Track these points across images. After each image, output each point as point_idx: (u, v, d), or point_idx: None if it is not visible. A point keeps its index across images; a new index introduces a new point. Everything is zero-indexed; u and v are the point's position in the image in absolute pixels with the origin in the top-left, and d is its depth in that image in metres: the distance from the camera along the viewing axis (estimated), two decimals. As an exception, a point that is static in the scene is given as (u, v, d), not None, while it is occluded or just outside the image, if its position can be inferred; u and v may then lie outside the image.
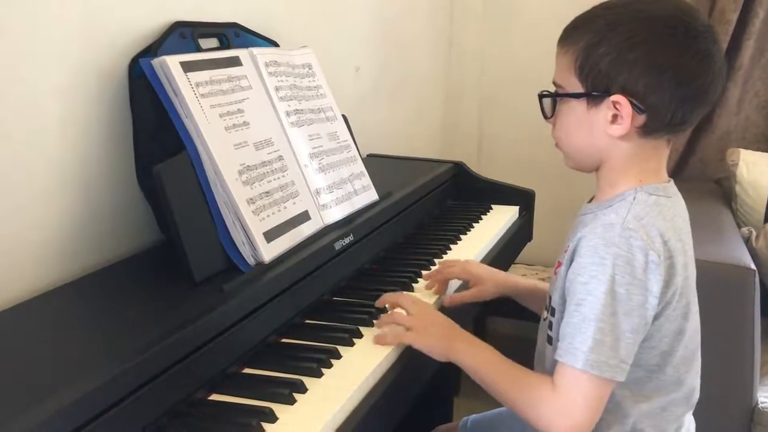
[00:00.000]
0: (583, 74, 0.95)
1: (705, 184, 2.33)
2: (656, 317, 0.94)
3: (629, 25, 0.93)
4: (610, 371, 0.90)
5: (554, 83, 1.01)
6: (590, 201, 1.05)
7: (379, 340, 1.03)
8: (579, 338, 0.90)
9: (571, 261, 0.95)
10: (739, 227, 1.99)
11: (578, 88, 0.96)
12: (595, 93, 0.95)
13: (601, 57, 0.93)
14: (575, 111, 0.97)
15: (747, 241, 1.92)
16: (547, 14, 2.42)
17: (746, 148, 2.27)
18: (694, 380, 1.03)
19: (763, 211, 2.10)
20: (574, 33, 0.97)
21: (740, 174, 2.12)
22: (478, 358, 1.01)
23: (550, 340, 1.01)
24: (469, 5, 2.63)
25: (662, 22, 0.93)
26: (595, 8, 0.98)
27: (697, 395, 1.05)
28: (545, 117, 1.03)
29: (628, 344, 0.91)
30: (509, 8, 2.60)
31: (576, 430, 0.91)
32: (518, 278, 1.29)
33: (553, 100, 1.01)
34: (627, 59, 0.92)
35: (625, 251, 0.90)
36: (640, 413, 0.98)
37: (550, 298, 1.03)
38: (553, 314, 1.00)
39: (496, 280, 1.26)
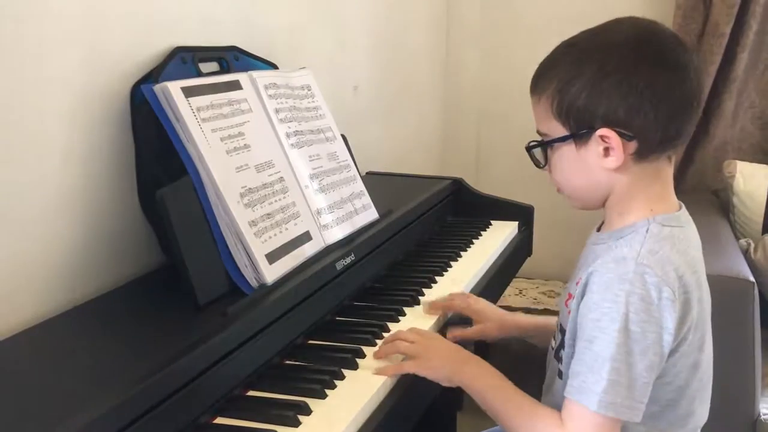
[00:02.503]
0: (562, 116, 0.94)
1: (703, 195, 2.34)
2: (671, 353, 0.92)
3: (596, 56, 0.92)
4: (626, 413, 0.87)
5: (539, 133, 1.00)
6: (599, 228, 1.04)
7: (381, 372, 1.00)
8: (592, 378, 0.88)
9: (583, 295, 0.93)
10: (737, 239, 2.01)
11: (562, 131, 0.95)
12: (580, 132, 0.94)
13: (577, 94, 0.92)
14: (566, 154, 0.96)
15: (745, 252, 1.93)
16: (542, 29, 2.45)
17: (743, 158, 2.29)
18: (703, 410, 1.02)
19: (761, 222, 2.11)
20: (543, 79, 0.97)
21: (737, 185, 2.14)
22: (485, 383, 1.00)
23: (560, 374, 1.00)
24: (465, 21, 2.66)
25: (628, 46, 0.92)
26: (557, 50, 0.98)
27: (703, 421, 1.04)
28: (538, 167, 1.02)
29: (644, 384, 0.88)
30: (506, 23, 2.62)
31: None
32: (520, 317, 1.27)
33: (543, 149, 1.00)
34: (602, 90, 0.91)
35: (639, 288, 0.88)
36: None
37: (564, 330, 0.99)
38: (563, 347, 0.98)
39: (500, 321, 1.23)
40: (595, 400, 0.87)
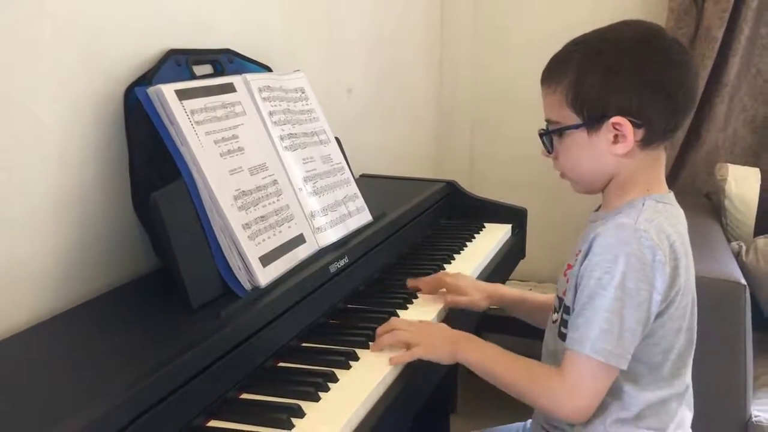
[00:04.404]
0: (577, 106, 1.02)
1: (695, 198, 2.35)
2: (660, 315, 1.00)
3: (607, 53, 1.00)
4: (614, 360, 0.97)
5: (548, 121, 1.07)
6: (597, 209, 1.11)
7: (394, 360, 1.05)
8: (588, 327, 0.97)
9: (584, 261, 1.01)
10: (729, 242, 2.01)
11: (575, 120, 1.02)
12: (593, 120, 1.01)
13: (591, 87, 1.00)
14: (577, 141, 1.04)
15: (737, 255, 1.94)
16: (536, 36, 2.45)
17: (735, 162, 2.30)
18: (687, 376, 1.08)
19: (753, 225, 2.12)
20: (556, 72, 1.04)
21: (729, 189, 2.14)
22: (484, 354, 1.07)
23: (564, 337, 1.04)
24: (459, 27, 2.66)
25: (639, 44, 1.01)
26: (569, 45, 1.05)
27: (690, 392, 1.10)
28: (548, 153, 1.08)
29: (632, 336, 0.97)
30: (499, 29, 2.63)
31: (581, 411, 1.00)
32: (505, 290, 1.36)
33: (552, 135, 1.06)
34: (616, 83, 0.99)
35: (636, 249, 0.96)
36: (642, 402, 1.03)
37: (561, 299, 1.07)
38: (568, 313, 1.04)
39: (487, 293, 1.32)
40: (589, 345, 0.97)
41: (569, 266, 1.07)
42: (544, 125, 1.08)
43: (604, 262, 0.97)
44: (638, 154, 1.02)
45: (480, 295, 1.31)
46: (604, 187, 1.07)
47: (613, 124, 1.00)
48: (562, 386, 0.99)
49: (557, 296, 1.11)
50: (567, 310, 1.05)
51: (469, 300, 1.29)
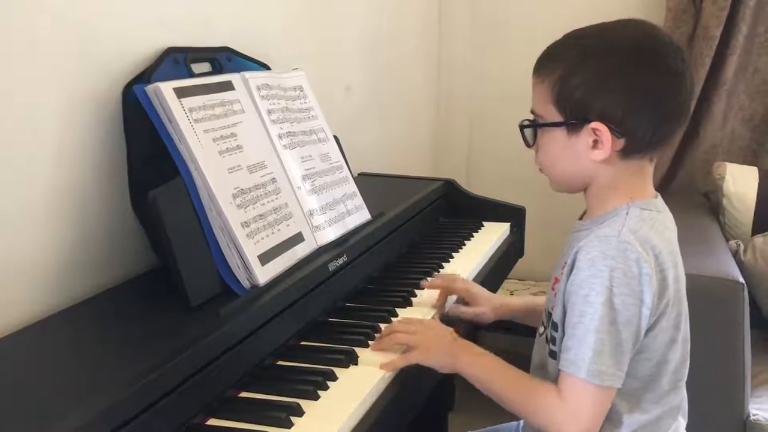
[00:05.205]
0: (560, 103, 0.98)
1: (693, 197, 2.35)
2: (650, 329, 0.97)
3: (601, 54, 0.96)
4: (609, 380, 0.94)
5: (533, 112, 1.04)
6: (581, 218, 1.08)
7: (387, 366, 1.03)
8: (582, 349, 0.94)
9: (569, 275, 0.98)
10: (727, 240, 2.02)
11: (557, 117, 0.99)
12: (573, 121, 0.98)
13: (577, 87, 0.97)
14: (557, 139, 1.01)
15: (735, 254, 1.94)
16: (534, 33, 2.43)
17: (732, 161, 2.31)
18: (683, 389, 1.06)
19: (751, 224, 2.12)
20: (548, 63, 1.00)
21: (727, 187, 2.15)
22: (484, 368, 1.05)
23: (553, 354, 1.02)
24: (457, 25, 2.66)
25: (632, 49, 0.96)
26: (566, 37, 1.02)
27: (685, 401, 1.08)
28: (527, 145, 1.06)
29: (624, 353, 0.95)
30: (497, 27, 2.63)
31: None
32: (511, 300, 1.34)
33: (534, 129, 1.04)
34: (602, 87, 0.95)
35: (621, 263, 0.93)
36: (633, 422, 1.01)
37: (550, 314, 1.04)
38: (555, 329, 1.02)
39: (494, 306, 1.30)
40: (585, 369, 0.93)
41: (556, 280, 1.03)
42: None
43: (590, 278, 0.94)
44: (617, 163, 0.98)
45: (487, 306, 1.29)
46: (583, 189, 1.04)
47: (593, 129, 0.96)
48: (562, 410, 0.96)
49: (546, 310, 1.08)
50: (555, 327, 1.01)
51: (474, 312, 1.28)
